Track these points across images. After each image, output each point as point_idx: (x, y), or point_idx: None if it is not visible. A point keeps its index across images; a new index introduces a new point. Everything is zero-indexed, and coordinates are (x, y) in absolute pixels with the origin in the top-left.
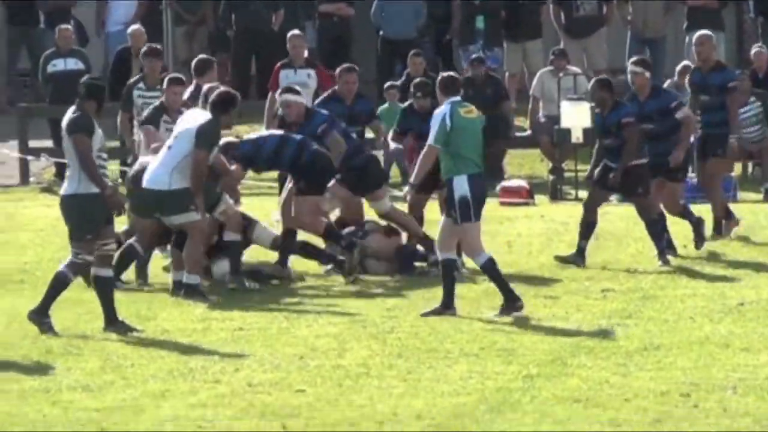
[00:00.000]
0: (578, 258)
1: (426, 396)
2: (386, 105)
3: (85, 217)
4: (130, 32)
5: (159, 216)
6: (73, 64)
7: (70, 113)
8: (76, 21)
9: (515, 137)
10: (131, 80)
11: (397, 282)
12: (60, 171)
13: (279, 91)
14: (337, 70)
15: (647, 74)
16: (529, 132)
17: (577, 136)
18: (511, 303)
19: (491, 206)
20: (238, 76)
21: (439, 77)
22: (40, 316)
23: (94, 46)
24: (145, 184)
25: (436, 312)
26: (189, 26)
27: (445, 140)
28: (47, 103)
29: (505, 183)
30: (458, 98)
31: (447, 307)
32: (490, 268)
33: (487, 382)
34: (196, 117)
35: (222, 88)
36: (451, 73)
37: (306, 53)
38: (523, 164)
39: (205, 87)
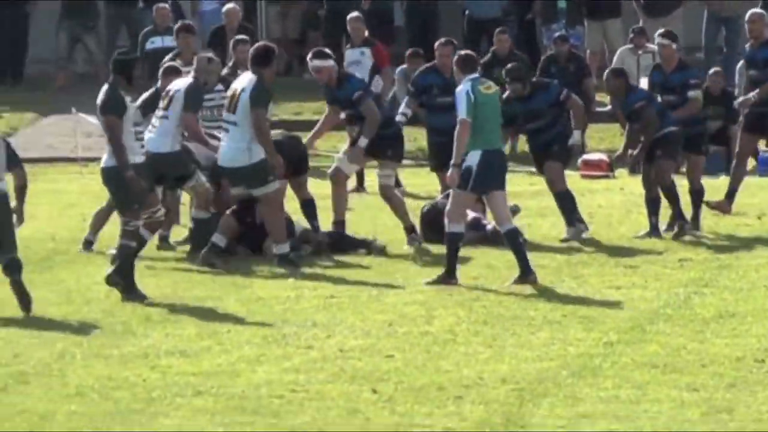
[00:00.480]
0: (655, 234)
1: (510, 361)
2: None
3: (127, 188)
4: (224, 11)
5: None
6: (170, 41)
7: (102, 91)
8: (174, 0)
9: (596, 112)
10: (168, 56)
11: (482, 251)
12: None
13: (311, 55)
14: (436, 43)
15: (674, 46)
16: (609, 107)
17: None
18: (448, 277)
19: (573, 179)
20: None
21: (456, 55)
22: (133, 294)
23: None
24: (222, 163)
25: (438, 281)
26: (282, 5)
27: (474, 113)
28: (146, 79)
29: (586, 156)
30: (476, 75)
31: (450, 276)
32: (452, 240)
33: (569, 348)
34: (241, 84)
35: (258, 43)
36: (469, 52)
37: (366, 33)
38: (603, 138)
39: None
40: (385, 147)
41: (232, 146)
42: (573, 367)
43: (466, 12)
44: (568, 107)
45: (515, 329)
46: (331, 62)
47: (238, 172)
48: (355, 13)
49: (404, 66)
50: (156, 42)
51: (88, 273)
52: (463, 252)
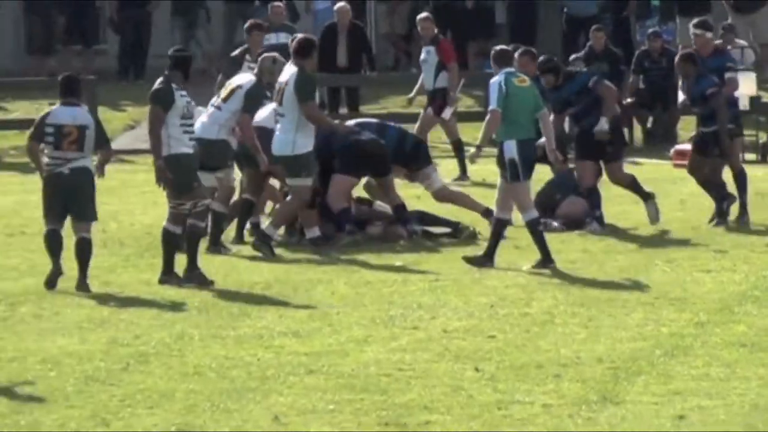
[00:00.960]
0: (721, 220)
1: (606, 341)
2: None
3: (176, 176)
4: (336, 9)
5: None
6: (283, 38)
7: (157, 81)
8: None
9: (687, 104)
10: (238, 51)
11: (580, 236)
12: None
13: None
14: (516, 53)
15: (708, 35)
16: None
17: (744, 104)
18: (546, 261)
19: (665, 168)
20: None
21: (492, 51)
22: (170, 277)
23: (304, 22)
24: (272, 151)
25: (477, 261)
26: (390, 3)
27: (505, 105)
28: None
29: (678, 146)
30: (512, 69)
31: (489, 258)
32: (533, 226)
33: (662, 328)
34: (284, 78)
35: (300, 36)
36: (503, 47)
37: (435, 31)
38: (694, 129)
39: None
40: (409, 162)
41: (280, 136)
42: (665, 347)
43: (565, 10)
44: (599, 93)
45: (611, 311)
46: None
47: (281, 160)
48: (424, 14)
49: None
50: (271, 38)
51: (206, 258)
52: (560, 238)
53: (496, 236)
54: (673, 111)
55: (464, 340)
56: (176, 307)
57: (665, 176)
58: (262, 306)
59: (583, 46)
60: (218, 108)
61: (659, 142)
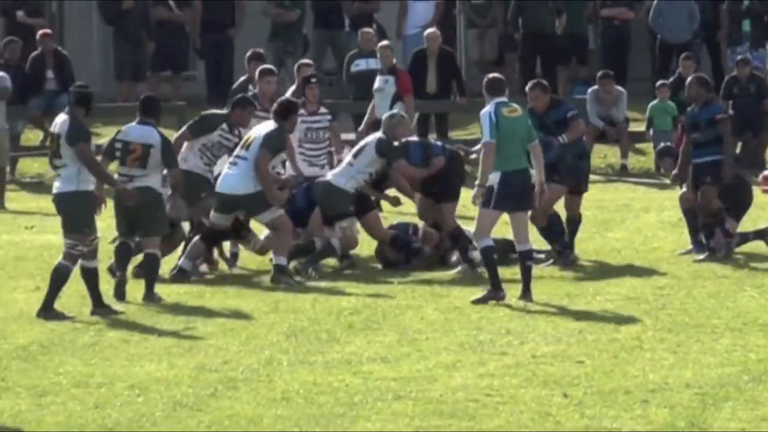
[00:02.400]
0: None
1: (694, 367)
2: (656, 101)
3: (80, 212)
4: (426, 35)
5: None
6: (374, 64)
7: (63, 121)
8: (378, 24)
9: None
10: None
11: (669, 263)
12: None
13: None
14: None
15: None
16: None
17: None
18: (494, 291)
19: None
20: (524, 75)
21: (485, 79)
22: (47, 312)
23: (394, 48)
24: (223, 189)
25: (486, 298)
26: (480, 29)
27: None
28: (351, 100)
29: (766, 172)
30: (504, 99)
31: (497, 290)
32: (486, 255)
33: (750, 354)
34: (265, 127)
35: (282, 98)
36: (497, 75)
37: (393, 61)
38: None
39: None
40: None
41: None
42: (754, 372)
43: (658, 36)
44: (571, 126)
45: (699, 336)
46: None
47: (247, 198)
48: (385, 42)
49: (595, 87)
50: (360, 64)
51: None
52: (647, 261)
53: (493, 263)
54: (762, 137)
55: (552, 365)
56: (265, 332)
57: (754, 202)
58: (351, 331)
59: (673, 73)
60: (244, 158)
61: (747, 167)
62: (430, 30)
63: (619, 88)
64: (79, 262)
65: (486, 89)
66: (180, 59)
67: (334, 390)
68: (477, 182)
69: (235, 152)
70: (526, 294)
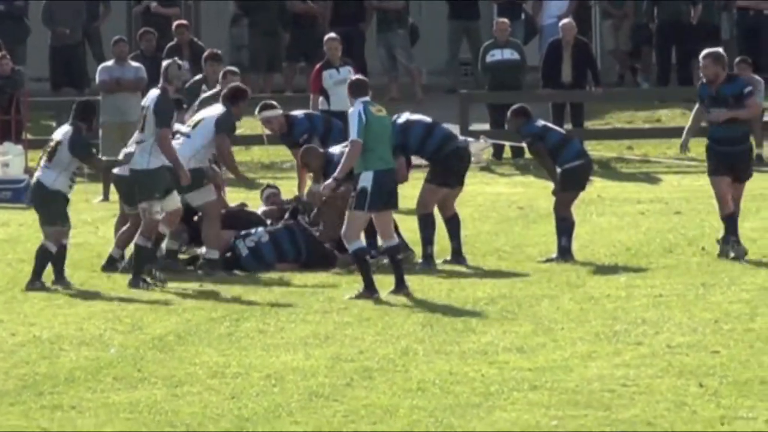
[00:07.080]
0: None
1: None
2: None
3: (55, 206)
4: (561, 25)
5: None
6: (509, 54)
7: (67, 132)
8: (527, 14)
9: None
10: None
11: None
12: (497, 152)
13: (258, 109)
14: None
15: None
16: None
17: None
18: (369, 292)
19: None
20: (660, 65)
21: (348, 80)
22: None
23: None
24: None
25: (360, 297)
26: (615, 20)
27: (365, 134)
28: (486, 89)
29: None
30: (368, 98)
31: (371, 290)
32: (359, 257)
33: None
34: (214, 110)
35: (233, 84)
36: (360, 77)
37: (340, 53)
38: None
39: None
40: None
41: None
42: None
43: None
44: (747, 102)
45: None
46: (278, 111)
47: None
48: (331, 34)
49: None
50: (496, 55)
51: (425, 272)
52: None
53: (366, 264)
54: None
55: (688, 355)
56: (401, 322)
57: None
58: (487, 321)
59: None
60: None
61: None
62: (565, 20)
63: (756, 77)
64: (44, 242)
65: (350, 91)
66: (314, 49)
67: (470, 380)
68: (334, 176)
69: (183, 131)
70: (400, 287)
